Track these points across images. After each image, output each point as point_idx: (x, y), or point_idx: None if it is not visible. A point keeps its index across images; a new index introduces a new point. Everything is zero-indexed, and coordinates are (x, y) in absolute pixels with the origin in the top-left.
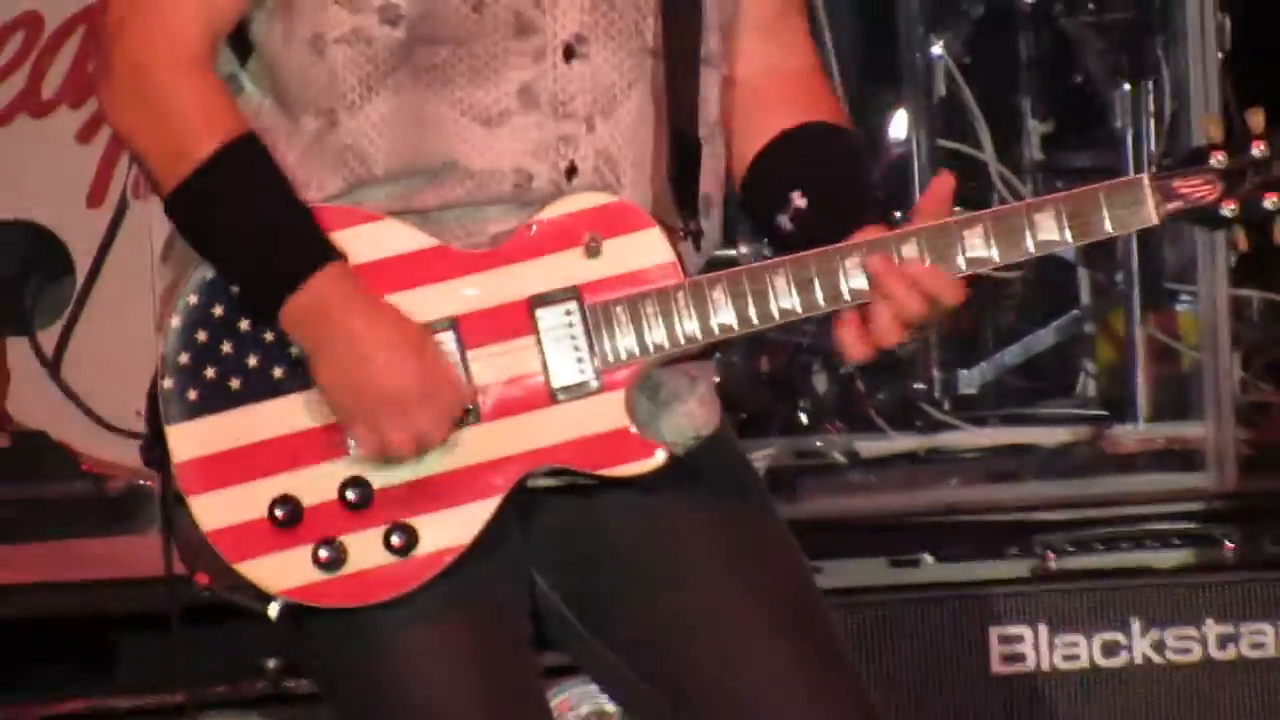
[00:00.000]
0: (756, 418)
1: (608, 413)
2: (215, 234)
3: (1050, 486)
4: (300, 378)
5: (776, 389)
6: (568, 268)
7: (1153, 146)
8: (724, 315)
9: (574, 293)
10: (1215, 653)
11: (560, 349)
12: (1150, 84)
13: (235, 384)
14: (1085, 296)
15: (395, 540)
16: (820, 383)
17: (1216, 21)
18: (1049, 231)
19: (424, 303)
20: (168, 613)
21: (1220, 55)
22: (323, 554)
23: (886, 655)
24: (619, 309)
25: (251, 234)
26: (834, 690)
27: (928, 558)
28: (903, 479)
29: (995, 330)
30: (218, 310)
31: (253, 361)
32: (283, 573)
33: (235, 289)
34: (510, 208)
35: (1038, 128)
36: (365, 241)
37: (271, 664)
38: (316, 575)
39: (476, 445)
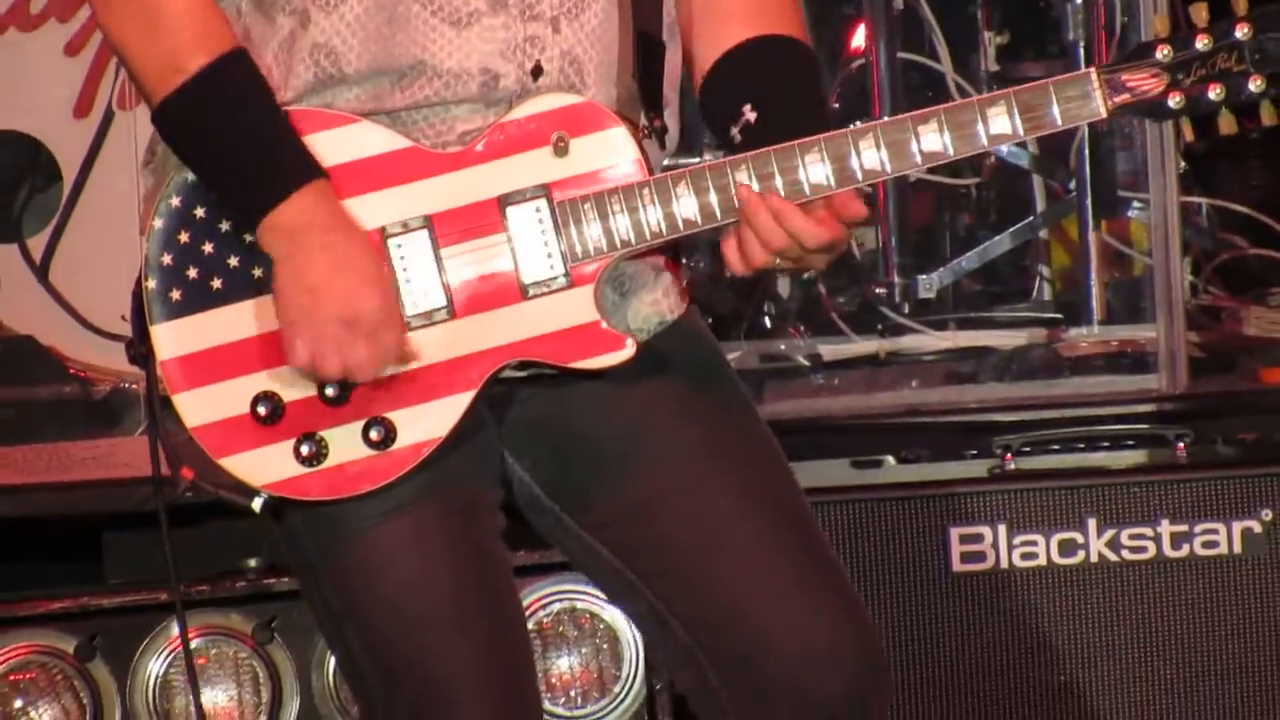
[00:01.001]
0: (721, 322)
1: (577, 307)
2: (202, 147)
3: (1007, 388)
4: None
5: (740, 294)
6: (537, 166)
7: (1105, 57)
8: (688, 209)
9: (543, 190)
10: (1169, 551)
11: (530, 246)
12: None
13: (217, 283)
14: (1040, 204)
15: (374, 434)
16: (783, 288)
17: None
18: (1001, 124)
19: (398, 202)
20: (152, 512)
21: None
22: (304, 449)
23: (849, 555)
24: (586, 206)
25: (237, 149)
26: (817, 581)
27: (889, 459)
28: (864, 381)
29: (953, 236)
30: (199, 212)
31: (234, 261)
32: (266, 467)
33: (217, 198)
34: (477, 107)
35: (993, 39)
36: (340, 143)
37: (252, 563)
38: (298, 469)
39: (450, 341)
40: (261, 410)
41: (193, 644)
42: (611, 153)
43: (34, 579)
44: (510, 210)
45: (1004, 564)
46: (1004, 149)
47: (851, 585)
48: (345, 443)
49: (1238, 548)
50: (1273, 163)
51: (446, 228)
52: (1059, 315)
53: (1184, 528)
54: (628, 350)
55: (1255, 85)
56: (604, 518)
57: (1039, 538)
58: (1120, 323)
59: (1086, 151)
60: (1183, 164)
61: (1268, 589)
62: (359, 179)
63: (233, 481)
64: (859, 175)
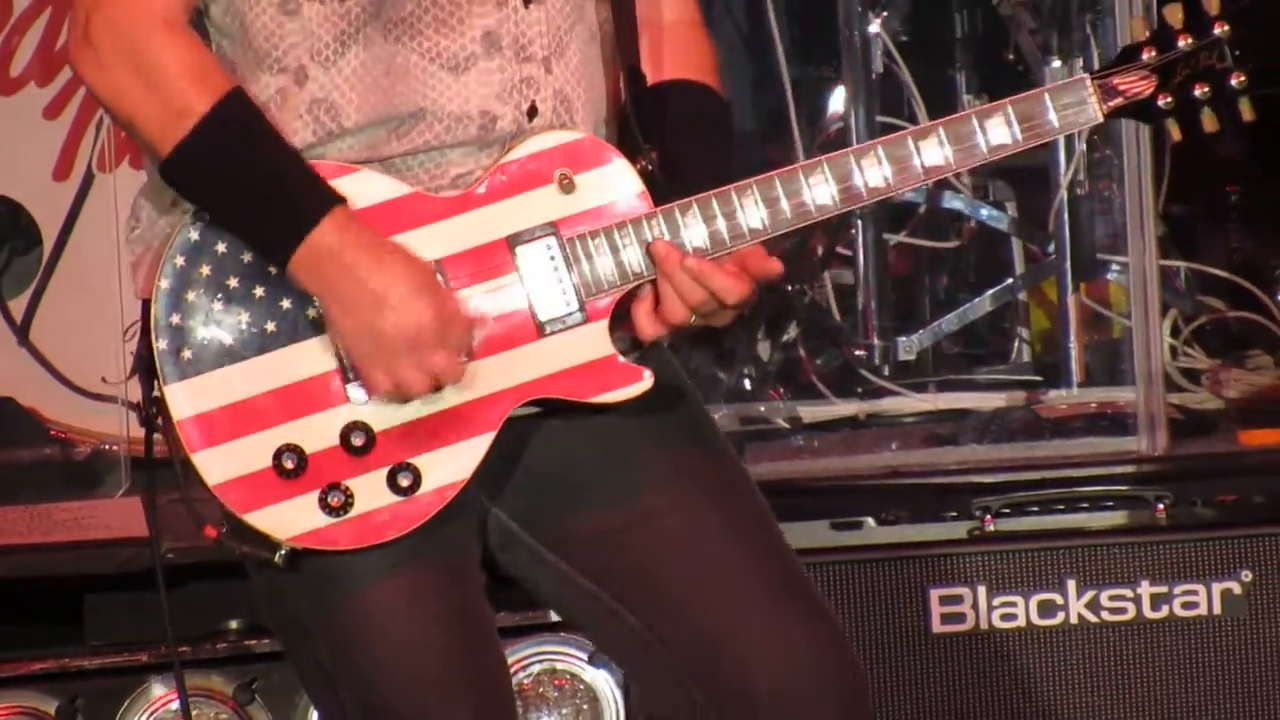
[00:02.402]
0: (701, 384)
1: (593, 342)
2: (221, 189)
3: (987, 450)
4: (293, 330)
5: (721, 357)
6: (543, 204)
7: None
8: (697, 237)
9: (552, 228)
10: (1149, 612)
11: (543, 283)
12: (1079, 60)
13: (228, 341)
14: (1019, 266)
15: (400, 481)
16: (764, 350)
17: (1143, 2)
18: (1000, 135)
19: (407, 247)
20: (133, 574)
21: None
22: (331, 499)
23: None
24: (596, 240)
25: (256, 186)
26: (795, 600)
27: (869, 520)
28: (844, 443)
29: (932, 298)
30: (205, 270)
31: (244, 318)
32: (291, 520)
33: (241, 237)
34: (470, 150)
35: (971, 102)
36: (345, 193)
37: (233, 624)
38: (325, 520)
39: (470, 383)
40: (286, 463)
41: (173, 706)
42: (616, 186)
43: (15, 640)
44: (520, 249)
45: (984, 625)
46: (983, 212)
47: (828, 605)
48: (371, 491)
49: (1217, 609)
50: (1250, 226)
51: (457, 270)
52: (1038, 377)
53: (1164, 589)
54: (646, 382)
55: (1236, 82)
56: (580, 545)
57: (1019, 599)
58: (1099, 385)
59: (1065, 215)
60: (1161, 227)
61: (1247, 650)
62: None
63: (257, 536)
64: (864, 194)
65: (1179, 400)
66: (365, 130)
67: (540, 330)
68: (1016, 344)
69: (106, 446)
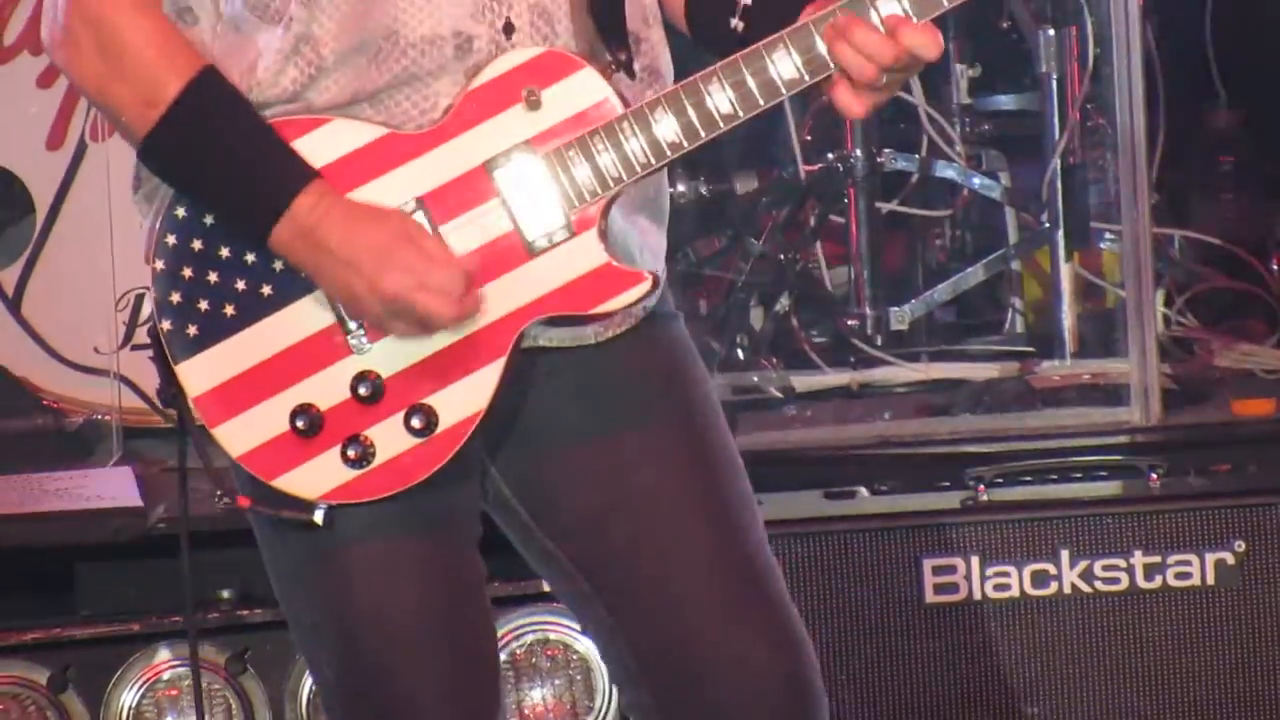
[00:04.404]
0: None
1: (586, 253)
2: (193, 175)
3: (980, 420)
4: (289, 290)
5: (714, 326)
6: (513, 125)
7: (1076, 89)
8: (670, 132)
9: (526, 147)
10: (1142, 582)
11: (525, 203)
12: (1073, 30)
13: (230, 310)
14: (1012, 235)
15: (415, 422)
16: (756, 320)
17: None
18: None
19: (386, 190)
20: (124, 543)
21: (1140, 1)
22: (351, 452)
23: (821, 586)
24: (571, 152)
25: (227, 171)
26: (754, 610)
27: (862, 490)
28: (837, 413)
29: (925, 268)
30: (197, 245)
31: (241, 285)
32: (318, 479)
33: (220, 221)
34: (456, 78)
35: (965, 72)
36: (318, 145)
37: (225, 594)
38: (350, 473)
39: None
40: (300, 423)
41: (165, 676)
42: (584, 95)
43: (6, 610)
44: (497, 173)
45: (977, 595)
46: (976, 181)
47: (790, 603)
48: (390, 437)
49: (1211, 579)
50: (1244, 195)
51: (439, 205)
52: (1031, 348)
53: (1157, 559)
54: (646, 283)
55: None
56: (564, 527)
57: (1012, 569)
58: (1093, 355)
59: (1059, 183)
60: (1155, 196)
61: (1241, 620)
62: (344, 176)
63: (290, 499)
64: (829, 62)
65: (1172, 370)
66: (345, 62)
67: (530, 250)
68: (1010, 314)
69: (98, 416)
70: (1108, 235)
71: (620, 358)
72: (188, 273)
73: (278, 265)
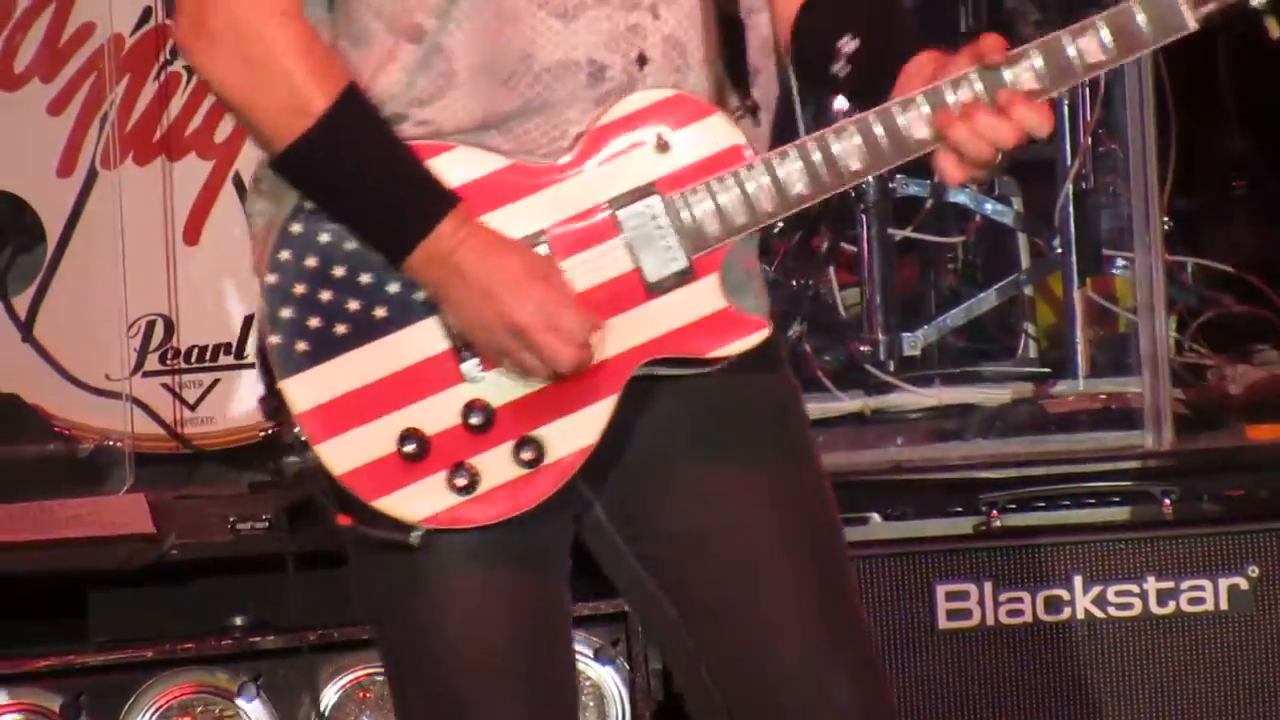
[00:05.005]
0: None
1: (705, 297)
2: (335, 190)
3: (993, 445)
4: (403, 314)
5: None
6: (642, 165)
7: (1088, 114)
8: (798, 185)
9: (652, 189)
10: (1155, 608)
11: (648, 244)
12: None
13: (341, 330)
14: (1025, 261)
15: (525, 454)
16: None
17: None
18: (1094, 53)
19: (510, 221)
20: (137, 569)
21: None
22: (458, 480)
23: None
24: (696, 196)
25: (374, 189)
26: (840, 651)
27: (875, 516)
28: (849, 439)
29: (938, 293)
30: (311, 262)
31: (355, 306)
32: (421, 503)
33: (358, 237)
34: (586, 106)
35: None
36: (443, 172)
37: (238, 621)
38: (454, 499)
39: None
40: (408, 448)
41: (177, 702)
42: (713, 140)
43: (19, 637)
44: (622, 213)
45: (990, 621)
46: (988, 206)
47: (871, 642)
48: (497, 466)
49: (1224, 604)
50: (1256, 221)
51: (563, 241)
52: (1045, 371)
53: (1170, 584)
54: (764, 331)
55: None
56: (657, 552)
57: (1025, 595)
58: (1105, 380)
59: (1071, 209)
60: (1167, 221)
61: (1254, 645)
62: (469, 204)
63: (389, 521)
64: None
65: (1185, 395)
66: (475, 81)
67: (650, 291)
68: (1022, 339)
69: (110, 443)
70: (1120, 261)
71: (734, 390)
72: (300, 289)
73: (393, 288)
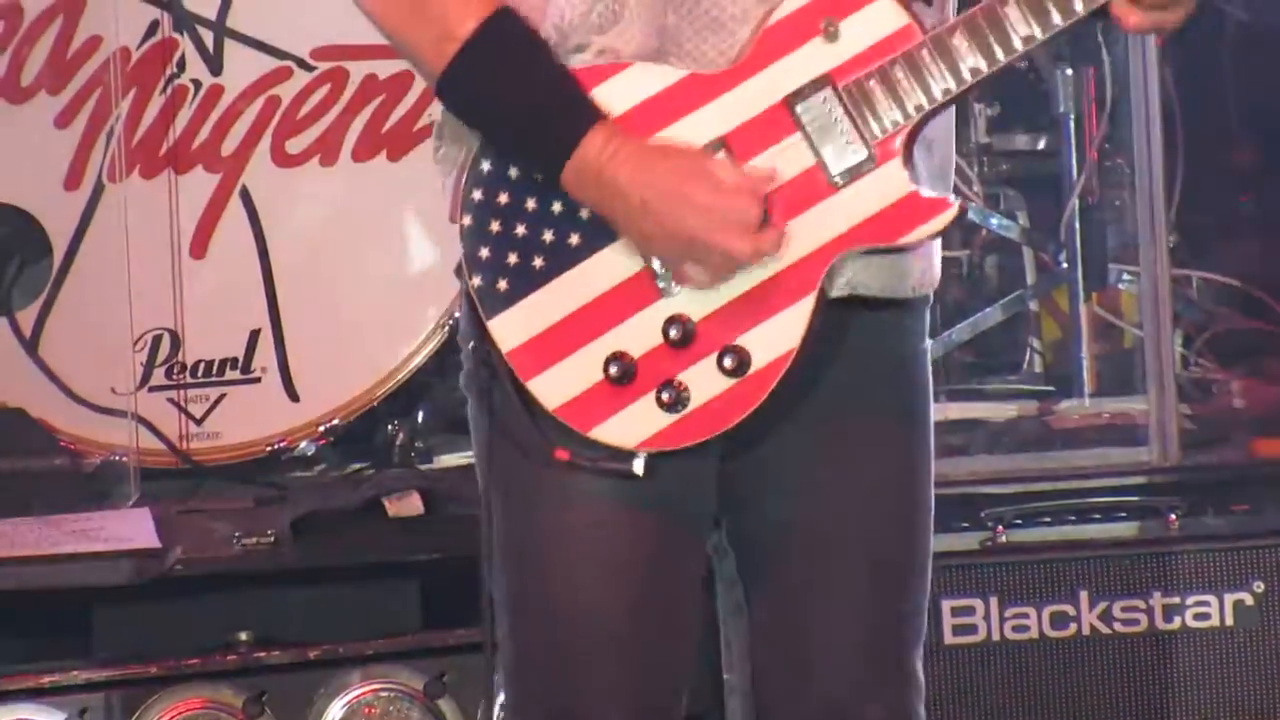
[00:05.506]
0: None
1: (891, 183)
2: (486, 113)
3: (998, 460)
4: (596, 238)
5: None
6: (813, 58)
7: (1094, 129)
8: (970, 59)
9: (826, 80)
10: (1161, 623)
11: (828, 137)
12: (1091, 70)
13: (539, 262)
14: (1030, 276)
15: (728, 363)
16: None
17: None
18: None
19: (690, 131)
20: (142, 584)
21: (1157, 42)
22: (665, 397)
23: None
24: (872, 83)
25: (518, 109)
26: (887, 639)
27: None
28: None
29: (943, 308)
30: (503, 198)
31: (549, 236)
32: (635, 427)
33: (513, 160)
34: (752, 18)
35: (983, 111)
36: (621, 89)
37: (243, 636)
38: (667, 419)
39: (777, 251)
40: (614, 371)
41: (182, 717)
42: (882, 24)
43: (23, 653)
44: (799, 108)
45: (996, 636)
46: (994, 221)
47: (916, 664)
48: (704, 380)
49: (1230, 620)
50: (1263, 235)
51: (742, 142)
52: (1050, 387)
53: (1176, 600)
54: (952, 209)
55: None
56: (749, 537)
57: (1031, 610)
58: (1111, 395)
59: (1077, 223)
60: (1173, 236)
61: (1259, 661)
62: (648, 120)
63: (608, 450)
64: None
65: (1191, 410)
66: (645, 5)
67: (835, 184)
68: (1028, 354)
69: (115, 457)
70: (1126, 275)
71: (906, 358)
72: (495, 227)
73: (584, 213)
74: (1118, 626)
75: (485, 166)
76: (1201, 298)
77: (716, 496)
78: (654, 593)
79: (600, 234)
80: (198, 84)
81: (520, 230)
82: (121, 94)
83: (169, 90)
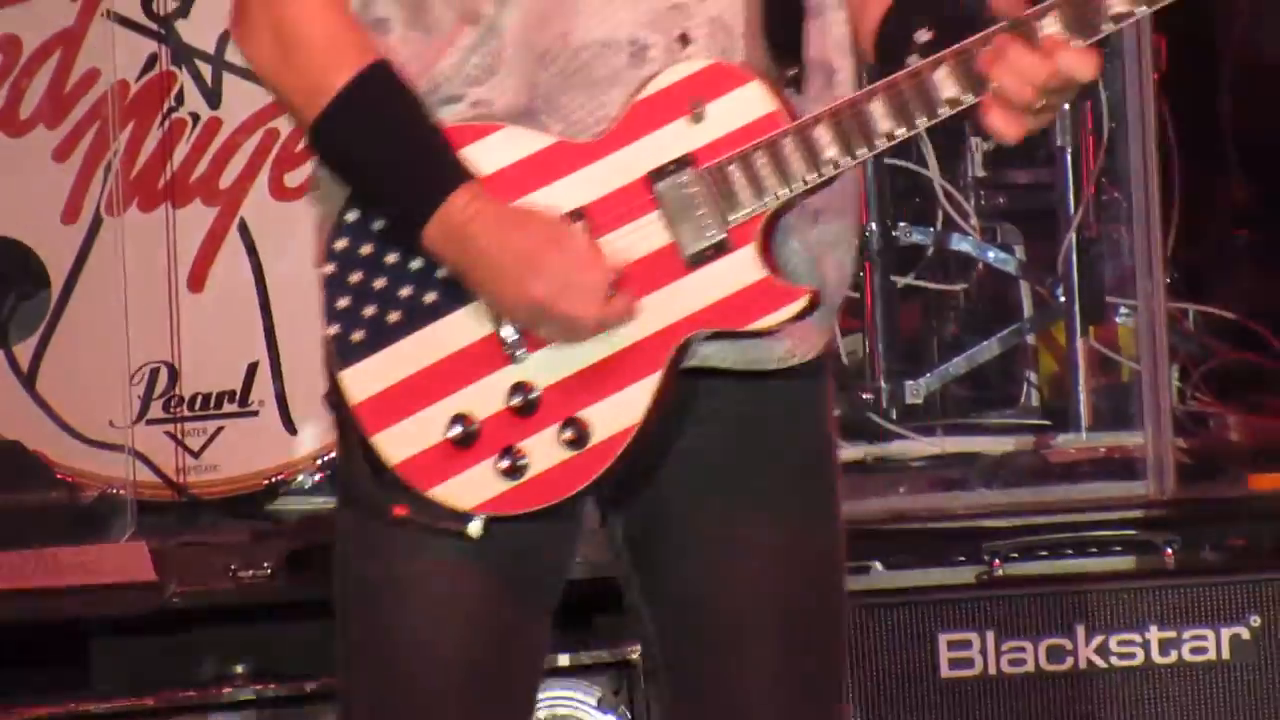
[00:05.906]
0: None
1: (744, 268)
2: (352, 165)
3: (995, 494)
4: (452, 298)
5: None
6: (679, 137)
7: (1091, 163)
8: (831, 151)
9: (688, 160)
10: (1157, 657)
11: (685, 217)
12: (1088, 103)
13: (395, 317)
14: (1027, 309)
15: (568, 435)
16: None
17: (1151, 44)
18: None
19: (552, 199)
20: (139, 616)
21: (1155, 76)
22: (504, 464)
23: None
24: (732, 167)
25: (385, 163)
26: (813, 692)
27: (877, 565)
28: (851, 487)
29: (940, 342)
30: (365, 250)
31: (406, 292)
32: (472, 490)
33: (379, 214)
34: (630, 87)
35: (980, 145)
36: (490, 150)
37: (240, 669)
38: (505, 485)
39: (626, 327)
40: (456, 433)
41: None
42: (749, 109)
43: (20, 686)
44: (660, 186)
45: (992, 670)
46: (991, 254)
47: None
48: (544, 450)
49: (1226, 654)
50: (1259, 269)
51: (602, 216)
52: (1047, 421)
53: (1172, 634)
54: (802, 301)
55: None
56: (660, 599)
57: (1027, 644)
58: (1108, 429)
59: (1074, 257)
60: (1170, 270)
61: (1256, 695)
62: (513, 183)
63: (444, 511)
64: (986, 80)
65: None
66: (521, 58)
67: (689, 264)
68: (1025, 387)
69: (112, 491)
70: (1123, 309)
71: (777, 425)
72: (355, 278)
73: (442, 273)
74: (1114, 660)
75: (350, 216)
76: (1198, 331)
77: (628, 554)
78: (488, 653)
79: (456, 294)
80: (196, 117)
81: (380, 283)
82: (120, 127)
83: (167, 123)
